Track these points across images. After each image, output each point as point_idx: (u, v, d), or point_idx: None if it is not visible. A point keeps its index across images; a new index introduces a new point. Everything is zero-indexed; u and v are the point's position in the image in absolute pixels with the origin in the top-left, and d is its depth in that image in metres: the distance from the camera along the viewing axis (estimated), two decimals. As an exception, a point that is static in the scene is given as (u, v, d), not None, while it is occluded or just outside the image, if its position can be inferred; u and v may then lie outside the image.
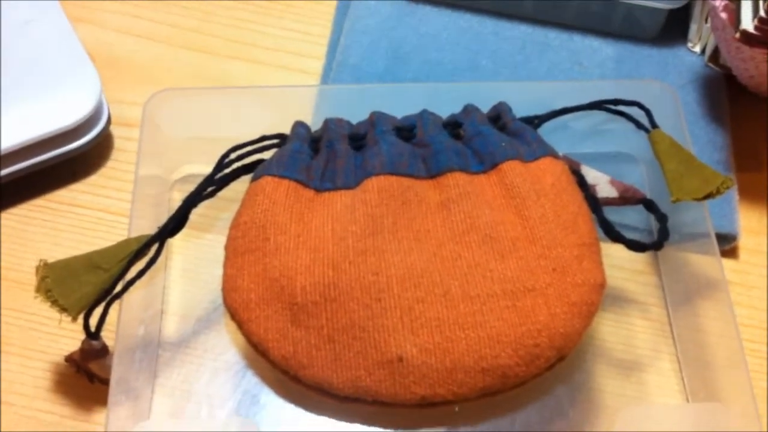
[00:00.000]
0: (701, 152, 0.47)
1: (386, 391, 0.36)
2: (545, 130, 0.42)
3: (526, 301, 0.36)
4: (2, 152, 0.43)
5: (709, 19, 0.48)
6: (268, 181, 0.39)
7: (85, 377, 0.40)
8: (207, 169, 0.41)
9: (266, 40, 0.52)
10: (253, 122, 0.42)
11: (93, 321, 0.38)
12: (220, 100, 0.45)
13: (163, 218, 0.40)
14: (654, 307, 0.44)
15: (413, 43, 0.51)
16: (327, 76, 0.50)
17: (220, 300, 0.41)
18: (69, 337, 0.42)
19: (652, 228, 0.45)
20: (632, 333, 0.43)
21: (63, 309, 0.37)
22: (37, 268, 0.37)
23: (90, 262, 0.37)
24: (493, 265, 0.37)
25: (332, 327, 0.36)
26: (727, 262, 0.45)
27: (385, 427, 0.38)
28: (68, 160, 0.46)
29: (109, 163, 0.48)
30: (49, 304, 0.37)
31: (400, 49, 0.50)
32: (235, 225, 0.39)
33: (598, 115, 0.44)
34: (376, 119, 0.40)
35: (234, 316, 0.37)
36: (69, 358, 0.40)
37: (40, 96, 0.45)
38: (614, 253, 0.42)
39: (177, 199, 0.44)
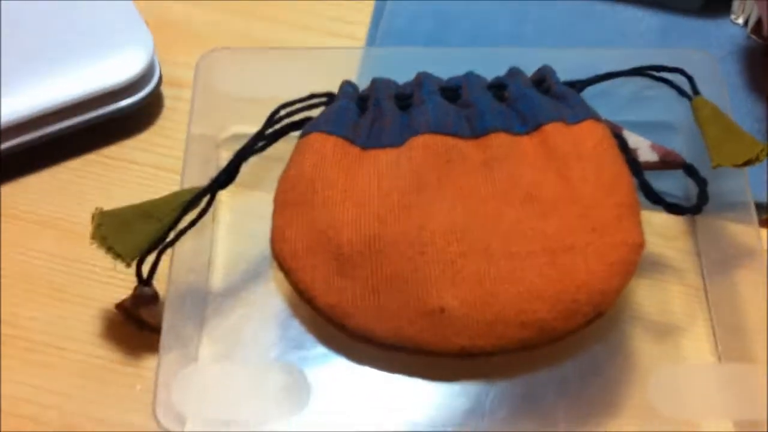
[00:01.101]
0: (740, 123, 0.46)
1: (427, 341, 0.37)
2: (587, 97, 0.43)
3: (566, 258, 0.37)
4: (58, 107, 0.45)
5: (753, -9, 0.48)
6: (316, 137, 0.40)
7: (135, 325, 0.42)
8: (254, 129, 0.42)
9: (314, 5, 0.53)
10: (301, 83, 0.43)
11: (145, 269, 0.40)
12: (269, 61, 0.46)
13: (211, 175, 0.41)
14: (690, 274, 0.44)
15: (459, 9, 0.51)
16: (372, 41, 0.50)
17: (266, 252, 0.42)
18: (119, 286, 0.43)
19: (689, 196, 0.46)
20: (667, 298, 0.44)
21: (117, 255, 0.38)
22: (93, 216, 0.39)
23: (143, 211, 0.39)
24: (534, 224, 0.38)
25: (376, 278, 0.37)
26: (764, 232, 0.45)
27: (424, 378, 0.39)
28: (121, 118, 0.47)
29: (160, 122, 0.49)
30: (104, 250, 0.38)
31: (445, 16, 0.51)
32: (284, 178, 0.40)
33: (639, 83, 0.44)
34: (423, 80, 0.41)
35: (282, 265, 0.39)
36: (119, 306, 0.42)
37: (95, 54, 0.46)
38: (652, 220, 0.43)
39: (225, 157, 0.45)
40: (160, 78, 0.48)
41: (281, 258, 0.38)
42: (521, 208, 0.38)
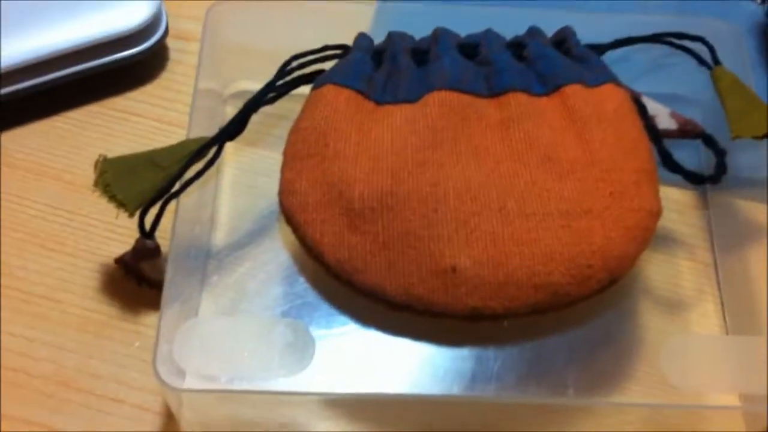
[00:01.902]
0: (758, 99, 0.46)
1: (438, 300, 0.36)
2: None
3: (582, 222, 0.36)
4: (60, 53, 0.44)
5: (775, -35, 0.48)
6: (329, 89, 0.39)
7: (134, 280, 0.41)
8: (261, 85, 0.41)
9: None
10: (311, 37, 0.42)
11: (147, 221, 0.39)
12: (280, 14, 0.45)
13: (216, 129, 0.40)
14: (700, 249, 0.44)
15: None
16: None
17: (271, 208, 0.41)
18: (119, 240, 0.42)
19: (703, 170, 0.45)
20: (678, 273, 0.43)
21: (121, 204, 0.37)
22: (96, 163, 0.38)
23: (149, 159, 0.38)
24: (551, 185, 0.37)
25: (388, 234, 0.36)
26: (777, 209, 0.45)
27: (431, 341, 0.39)
28: (125, 68, 0.46)
29: (165, 74, 0.48)
30: (106, 198, 0.37)
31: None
32: (294, 130, 0.39)
33: (657, 51, 0.44)
34: (440, 35, 0.40)
35: (290, 219, 0.38)
36: (119, 260, 0.41)
37: (99, 1, 0.45)
38: (664, 194, 0.42)
39: (230, 113, 0.44)
40: (167, 29, 0.47)
41: (290, 211, 0.37)
42: (538, 169, 0.37)
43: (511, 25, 0.42)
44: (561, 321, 0.39)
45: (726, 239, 0.44)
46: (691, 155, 0.45)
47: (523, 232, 0.36)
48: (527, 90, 0.39)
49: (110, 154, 0.41)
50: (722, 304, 0.42)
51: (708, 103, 0.44)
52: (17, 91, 0.44)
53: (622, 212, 0.37)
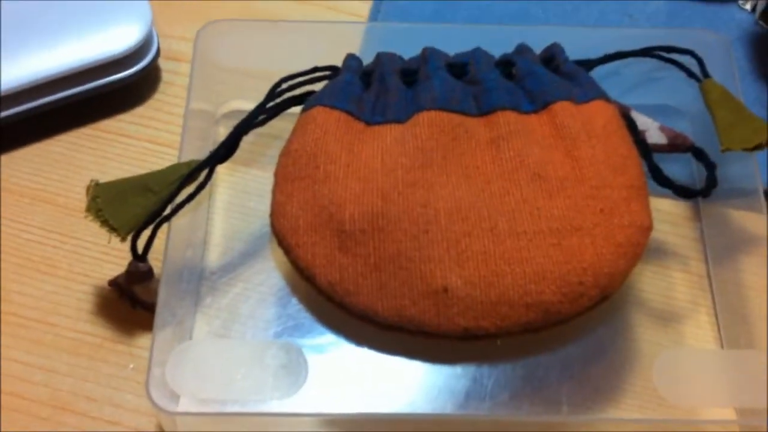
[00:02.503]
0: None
1: (430, 321, 0.36)
2: (594, 77, 0.42)
3: (573, 239, 0.36)
4: (52, 78, 0.44)
5: (763, -25, 0.48)
6: (319, 111, 0.39)
7: (128, 302, 0.41)
8: (253, 105, 0.41)
9: (315, -20, 0.52)
10: (303, 57, 0.42)
11: (140, 244, 0.39)
12: (270, 34, 0.45)
13: (208, 151, 0.40)
14: (694, 261, 0.44)
15: (464, -14, 0.50)
16: (375, 18, 0.50)
17: (263, 230, 0.41)
18: (113, 263, 0.42)
19: (695, 182, 0.45)
20: (671, 285, 0.43)
21: (113, 229, 0.37)
22: (88, 188, 0.38)
23: (140, 184, 0.38)
24: (541, 203, 0.37)
25: (379, 256, 0.36)
26: (769, 219, 0.45)
27: (424, 360, 0.39)
28: (117, 91, 0.46)
29: (157, 96, 0.48)
30: (98, 223, 0.37)
31: (450, -8, 0.50)
32: (285, 153, 0.39)
33: (648, 64, 0.44)
34: (429, 55, 0.40)
35: (282, 241, 0.38)
36: (113, 282, 0.41)
37: (91, 24, 0.45)
38: (657, 206, 0.42)
39: (222, 133, 0.44)
40: (158, 51, 0.47)
41: (281, 234, 0.37)
42: (528, 187, 0.37)
43: (500, 42, 0.42)
44: (554, 338, 0.39)
45: (719, 250, 0.44)
46: (683, 167, 0.45)
47: (514, 251, 0.36)
48: (516, 108, 0.39)
49: (103, 177, 0.41)
50: (716, 315, 0.42)
51: (699, 114, 0.44)
52: (10, 116, 0.44)
53: (613, 229, 0.37)
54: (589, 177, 0.37)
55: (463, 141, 0.38)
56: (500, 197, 0.37)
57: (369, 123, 0.39)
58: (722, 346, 0.41)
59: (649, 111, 0.43)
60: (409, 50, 0.42)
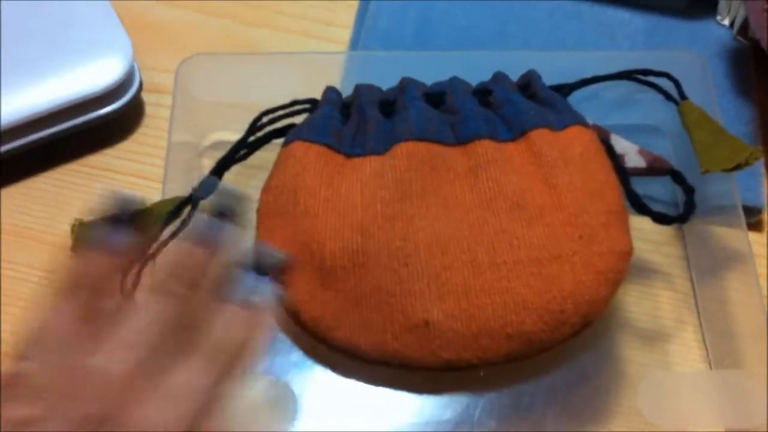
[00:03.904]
0: (728, 125, 0.46)
1: (413, 355, 0.36)
2: (573, 101, 0.43)
3: (552, 268, 0.37)
4: (36, 116, 0.44)
5: (739, -9, 0.48)
6: (298, 146, 0.39)
7: (117, 338, 0.41)
8: (237, 136, 0.42)
9: (295, 8, 0.52)
10: (283, 88, 0.43)
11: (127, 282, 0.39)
12: (250, 66, 0.45)
13: (193, 183, 0.41)
14: (679, 279, 0.44)
15: (442, 9, 0.51)
16: (356, 43, 0.50)
17: (250, 264, 0.41)
18: (101, 298, 0.42)
19: (678, 201, 0.45)
20: (657, 304, 0.43)
21: (98, 269, 0.37)
22: (73, 227, 0.38)
23: (124, 223, 0.38)
24: (520, 233, 0.37)
25: (360, 291, 0.36)
26: (752, 235, 0.45)
27: (410, 391, 0.39)
28: (101, 126, 0.47)
29: (141, 129, 0.48)
30: (84, 263, 0.38)
31: (429, 16, 0.50)
32: (266, 189, 0.39)
33: (627, 86, 0.44)
34: (406, 85, 0.41)
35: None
36: (101, 319, 0.41)
37: (72, 61, 0.45)
38: (640, 225, 0.43)
39: (207, 165, 0.44)
40: (140, 84, 0.47)
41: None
42: (507, 216, 0.37)
43: (479, 68, 0.42)
44: (538, 365, 0.39)
45: (703, 267, 0.44)
46: (665, 185, 0.45)
47: (494, 282, 0.36)
48: (493, 137, 0.39)
49: (89, 213, 0.41)
50: (703, 333, 0.43)
51: (680, 133, 0.44)
52: (-5, 156, 0.45)
53: (592, 256, 0.37)
54: (567, 204, 0.38)
55: (441, 171, 0.38)
56: (479, 227, 0.37)
57: (349, 155, 0.39)
58: (710, 364, 0.42)
59: (631, 130, 0.44)
60: (389, 78, 0.42)
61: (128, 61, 0.46)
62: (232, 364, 0.30)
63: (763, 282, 0.42)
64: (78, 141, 0.47)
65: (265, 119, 0.41)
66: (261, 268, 0.31)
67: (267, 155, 0.42)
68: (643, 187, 0.43)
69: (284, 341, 0.40)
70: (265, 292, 0.31)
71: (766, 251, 0.45)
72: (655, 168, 0.41)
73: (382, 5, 0.50)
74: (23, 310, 0.43)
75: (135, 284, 0.39)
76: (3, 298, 0.43)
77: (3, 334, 0.42)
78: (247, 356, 0.31)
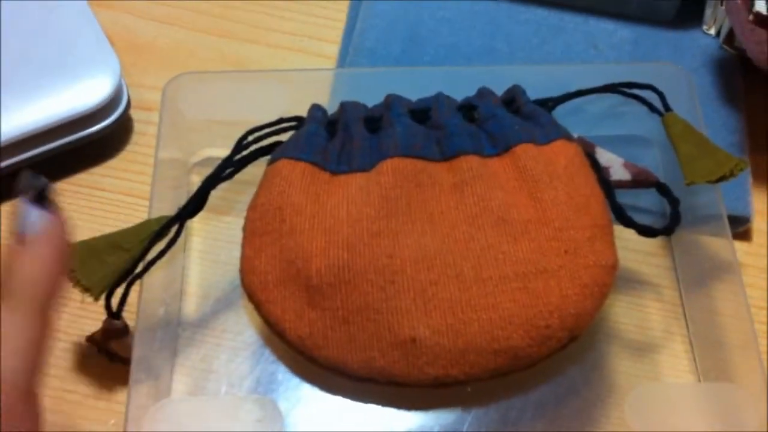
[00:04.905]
0: (715, 135, 0.47)
1: (400, 372, 0.36)
2: (559, 114, 0.43)
3: (538, 282, 0.37)
4: (24, 136, 0.44)
5: (723, 2, 0.48)
6: (284, 164, 0.39)
7: (106, 357, 0.41)
8: (225, 152, 0.42)
9: (284, 24, 0.53)
10: (271, 105, 0.43)
11: (114, 301, 0.39)
12: (237, 84, 0.45)
13: (182, 201, 0.41)
14: (666, 289, 0.44)
15: (429, 27, 0.51)
16: (343, 60, 0.50)
17: (238, 281, 0.41)
18: (90, 318, 0.42)
19: (666, 211, 0.45)
20: (645, 315, 0.43)
21: (85, 289, 0.38)
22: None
23: (111, 242, 0.38)
24: (506, 248, 0.37)
25: (347, 309, 0.36)
26: (739, 245, 0.45)
27: (399, 407, 0.39)
28: (89, 144, 0.47)
29: (129, 147, 0.48)
30: (71, 284, 0.38)
31: (416, 33, 0.51)
32: (252, 207, 0.39)
33: (612, 98, 0.44)
34: (392, 102, 0.41)
35: (251, 297, 0.38)
36: (90, 338, 0.41)
37: (60, 80, 0.45)
38: (627, 235, 0.43)
39: (196, 182, 0.45)
40: (129, 102, 0.48)
41: (250, 290, 0.38)
42: (493, 231, 0.38)
43: (466, 83, 0.42)
44: (526, 379, 0.39)
45: (691, 277, 0.44)
46: (652, 195, 0.45)
47: (481, 298, 0.36)
48: (479, 152, 0.39)
49: (79, 231, 0.41)
50: (691, 343, 0.43)
51: (665, 143, 0.44)
52: (-18, 177, 0.45)
53: (577, 269, 0.37)
54: (552, 219, 0.38)
55: (426, 187, 0.38)
56: (465, 243, 0.37)
57: (334, 172, 0.39)
58: (698, 375, 0.42)
59: (618, 141, 0.44)
60: (376, 94, 0.42)
61: (116, 80, 0.46)
62: (33, 306, 0.29)
63: (750, 291, 0.42)
64: (66, 159, 0.47)
65: (250, 137, 0.41)
66: (32, 195, 0.31)
67: (255, 171, 0.42)
68: (630, 197, 0.43)
69: (270, 359, 0.40)
70: (40, 222, 0.30)
71: (754, 261, 0.45)
72: (640, 180, 0.41)
73: (369, 24, 0.51)
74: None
75: (122, 304, 0.39)
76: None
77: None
78: (47, 291, 0.30)
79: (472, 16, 0.52)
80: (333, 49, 0.52)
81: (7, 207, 0.46)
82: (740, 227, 0.46)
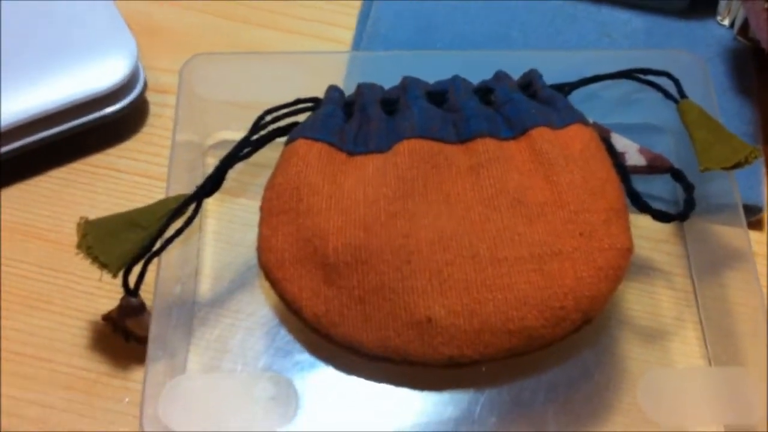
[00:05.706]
0: (729, 124, 0.46)
1: (414, 351, 0.36)
2: (574, 100, 0.43)
3: (553, 264, 0.37)
4: (40, 115, 0.45)
5: (739, -8, 0.48)
6: (301, 144, 0.39)
7: (122, 336, 0.42)
8: (240, 135, 0.42)
9: (298, 9, 0.53)
10: (287, 88, 0.43)
11: (131, 279, 0.40)
12: (254, 66, 0.45)
13: (197, 182, 0.41)
14: (679, 277, 0.44)
15: (443, 14, 0.51)
16: (357, 46, 0.50)
17: (252, 261, 0.42)
18: (106, 297, 0.43)
19: (679, 199, 0.45)
20: (657, 301, 0.44)
21: (103, 265, 0.38)
22: (78, 226, 0.38)
23: (129, 220, 0.39)
24: (521, 229, 0.37)
25: (363, 288, 0.37)
26: (751, 234, 0.45)
27: (413, 387, 0.39)
28: (105, 125, 0.47)
29: (145, 129, 0.49)
30: (89, 260, 0.38)
31: (431, 20, 0.51)
32: (269, 186, 0.40)
33: (627, 85, 0.44)
34: (408, 84, 0.41)
35: (268, 275, 0.38)
36: (106, 317, 0.41)
37: (77, 61, 0.46)
38: (640, 223, 0.43)
39: (211, 164, 0.45)
40: (145, 84, 0.48)
41: (267, 268, 0.38)
42: (508, 213, 0.38)
43: (480, 68, 0.43)
44: (539, 361, 0.39)
45: (703, 265, 0.44)
46: (666, 182, 0.45)
47: (496, 278, 0.36)
48: (495, 135, 0.39)
49: (94, 212, 0.42)
50: (703, 330, 0.43)
51: (680, 131, 0.44)
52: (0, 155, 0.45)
53: (592, 252, 0.37)
54: (568, 202, 0.38)
55: (443, 169, 0.39)
56: (481, 224, 0.37)
57: (351, 153, 0.40)
58: (709, 362, 0.42)
59: (632, 129, 0.44)
60: (392, 77, 0.42)
61: (133, 61, 0.46)
62: None
63: (763, 281, 0.42)
64: (82, 140, 0.47)
65: (268, 118, 0.41)
66: None
67: (271, 154, 0.42)
68: (644, 184, 0.43)
69: (285, 338, 0.41)
70: None
71: (766, 250, 0.45)
72: (656, 166, 0.41)
73: (383, 10, 0.51)
74: (25, 308, 0.43)
75: (139, 282, 0.40)
76: (5, 295, 0.43)
77: (4, 331, 0.42)
78: None
79: (486, 4, 0.52)
80: (347, 35, 0.52)
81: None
82: (753, 217, 0.46)
